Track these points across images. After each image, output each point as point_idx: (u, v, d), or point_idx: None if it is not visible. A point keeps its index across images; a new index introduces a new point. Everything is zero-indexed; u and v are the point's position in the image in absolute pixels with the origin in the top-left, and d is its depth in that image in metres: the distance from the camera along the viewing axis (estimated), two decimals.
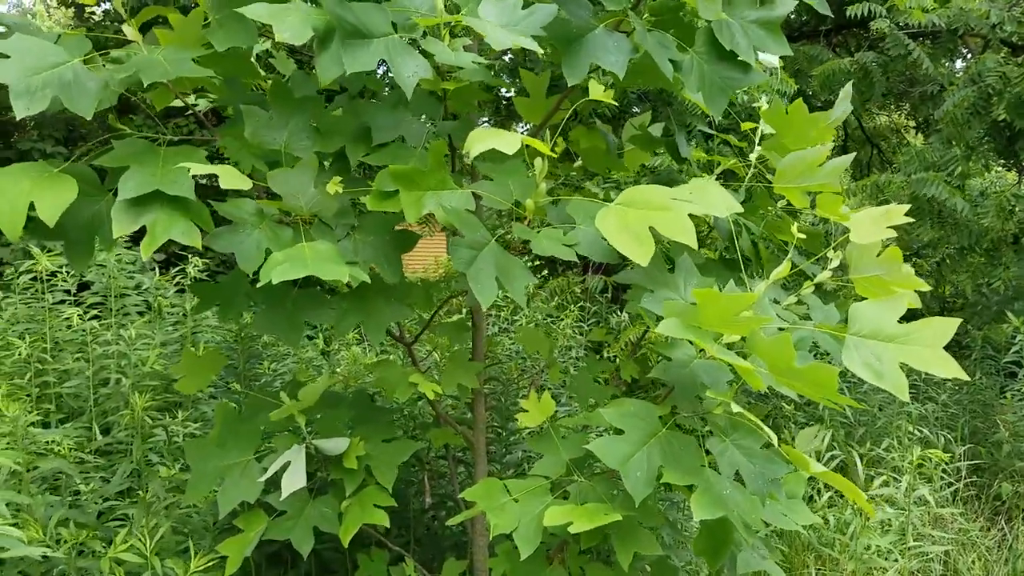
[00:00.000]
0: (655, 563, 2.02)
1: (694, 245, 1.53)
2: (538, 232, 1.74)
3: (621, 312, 5.73)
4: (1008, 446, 5.12)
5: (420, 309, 2.12)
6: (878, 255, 1.92)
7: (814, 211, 2.19)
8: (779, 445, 1.74)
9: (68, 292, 4.11)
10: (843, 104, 2.19)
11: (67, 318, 3.93)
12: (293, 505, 2.03)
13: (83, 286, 4.38)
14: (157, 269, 5.30)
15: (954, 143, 6.10)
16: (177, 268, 4.90)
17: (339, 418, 2.18)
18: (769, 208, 2.54)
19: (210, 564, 1.98)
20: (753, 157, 2.35)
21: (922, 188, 5.82)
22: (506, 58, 5.96)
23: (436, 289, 2.14)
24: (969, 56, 7.65)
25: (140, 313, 4.57)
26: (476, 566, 2.49)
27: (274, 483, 2.00)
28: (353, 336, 4.93)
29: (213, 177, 1.56)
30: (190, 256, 4.94)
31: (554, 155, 2.21)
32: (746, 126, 2.36)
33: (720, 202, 1.71)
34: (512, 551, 2.05)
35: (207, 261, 5.01)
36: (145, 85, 1.55)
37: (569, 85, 1.74)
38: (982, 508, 4.72)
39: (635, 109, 6.69)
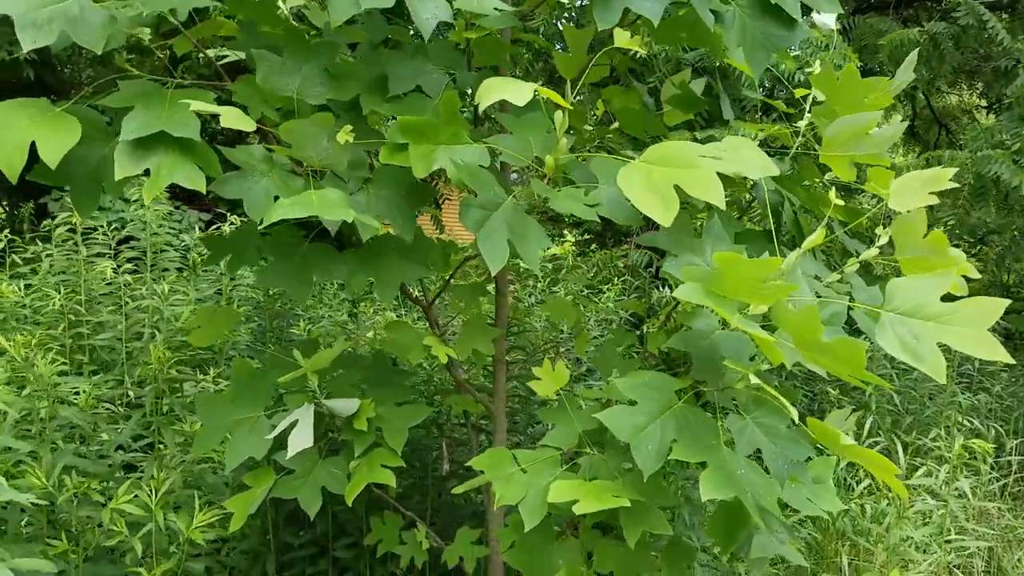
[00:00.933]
0: (670, 543, 1.93)
1: (721, 204, 1.42)
2: (558, 191, 1.65)
3: (664, 287, 5.60)
4: None
5: (437, 270, 2.05)
6: (924, 236, 1.79)
7: (864, 186, 2.06)
8: (806, 424, 1.64)
9: (108, 246, 4.14)
10: (906, 71, 2.04)
11: (103, 271, 3.97)
12: (302, 464, 1.99)
13: (123, 241, 4.42)
14: (199, 227, 5.35)
15: None
16: (216, 226, 4.92)
17: (352, 379, 2.14)
18: (816, 180, 2.40)
19: (215, 520, 1.96)
20: (802, 124, 2.20)
21: (986, 166, 5.52)
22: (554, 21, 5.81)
23: (454, 249, 2.06)
24: None
25: (179, 270, 4.60)
26: (490, 536, 2.44)
27: (285, 442, 1.97)
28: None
29: (227, 128, 1.50)
30: (230, 215, 4.96)
31: (581, 112, 2.11)
32: (799, 92, 2.22)
33: (754, 162, 1.60)
34: (521, 523, 1.99)
35: (245, 220, 5.00)
36: (152, 17, 1.49)
37: (599, 29, 1.63)
38: None
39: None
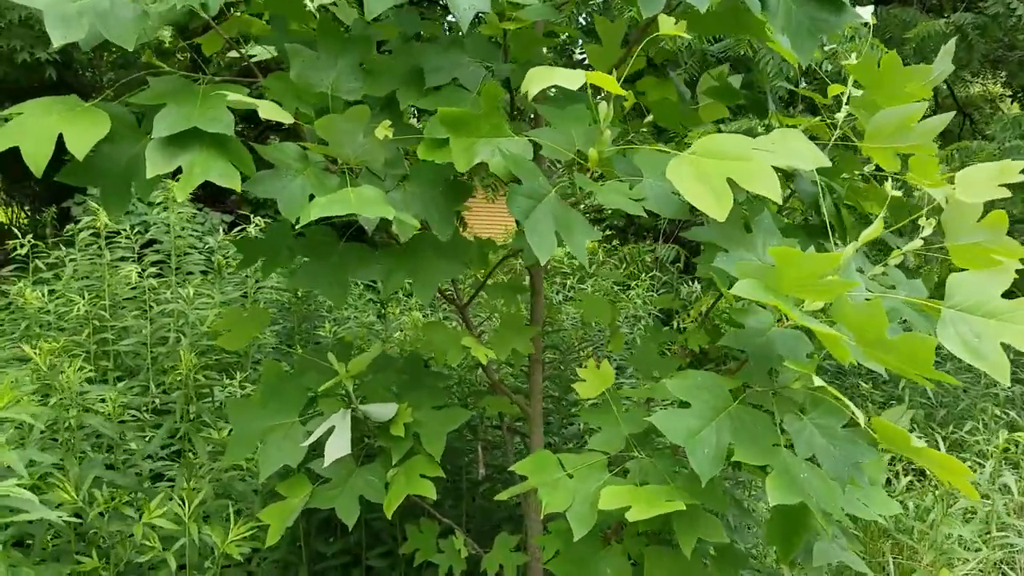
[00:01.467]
0: (720, 549, 1.87)
1: (777, 198, 1.36)
2: (602, 185, 1.59)
3: (693, 283, 5.51)
4: None
5: (474, 268, 1.99)
6: (979, 220, 1.72)
7: (903, 177, 1.98)
8: (868, 424, 1.57)
9: (132, 250, 4.11)
10: (944, 61, 1.97)
11: (127, 275, 3.94)
12: (338, 472, 1.94)
13: (147, 244, 4.40)
14: (223, 230, 5.32)
15: None
16: (239, 228, 4.89)
17: (387, 382, 2.08)
18: (856, 172, 2.32)
19: (250, 533, 1.91)
20: (840, 116, 2.13)
21: (1014, 157, 5.39)
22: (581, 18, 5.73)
23: (492, 247, 2.00)
24: None
25: (203, 272, 4.57)
26: (529, 542, 2.38)
27: (319, 449, 1.92)
28: (415, 301, 4.85)
29: (258, 125, 1.46)
30: (254, 217, 4.92)
31: (623, 103, 2.04)
32: (834, 89, 2.14)
33: (806, 153, 1.53)
34: (565, 531, 1.93)
35: (269, 220, 4.99)
36: (179, 14, 1.44)
37: (644, 18, 1.57)
38: None
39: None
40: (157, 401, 3.47)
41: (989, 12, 5.97)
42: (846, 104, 2.10)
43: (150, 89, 1.51)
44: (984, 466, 3.52)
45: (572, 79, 1.27)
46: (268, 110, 1.39)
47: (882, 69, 1.93)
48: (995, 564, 3.28)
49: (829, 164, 1.55)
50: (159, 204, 4.38)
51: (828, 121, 2.18)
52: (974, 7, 6.33)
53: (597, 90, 1.53)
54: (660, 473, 1.69)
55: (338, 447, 1.79)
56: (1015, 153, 5.47)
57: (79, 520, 1.95)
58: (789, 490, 1.36)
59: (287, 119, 1.41)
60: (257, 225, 4.82)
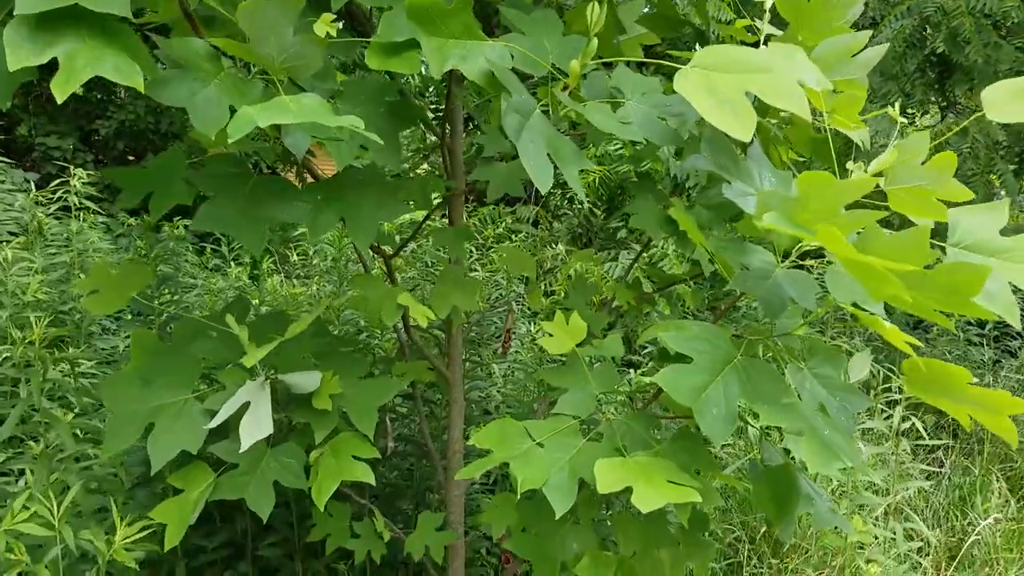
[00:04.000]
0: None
1: (806, 115, 1.19)
2: (584, 104, 1.36)
3: (556, 245, 5.40)
4: None
5: (417, 206, 1.70)
6: (923, 163, 1.64)
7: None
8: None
9: None
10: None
11: None
12: (247, 456, 1.61)
13: None
14: (33, 186, 4.58)
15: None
16: (59, 181, 4.21)
17: (302, 350, 1.76)
18: (780, 113, 2.23)
19: (140, 534, 1.54)
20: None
21: None
22: None
23: (436, 185, 1.71)
24: None
25: (13, 234, 3.90)
26: (451, 519, 2.14)
27: (219, 431, 1.58)
28: (268, 264, 4.41)
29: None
30: (74, 169, 4.25)
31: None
32: (740, 24, 2.02)
33: (811, 73, 1.37)
34: (523, 504, 1.71)
35: (91, 174, 4.32)
36: None
37: None
38: None
39: None
40: None
41: None
42: (764, 42, 1.98)
43: None
44: None
45: None
46: None
47: (812, 2, 1.81)
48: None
49: (831, 86, 1.40)
50: None
51: None
52: None
53: None
54: (641, 436, 1.50)
55: (257, 426, 1.47)
56: None
57: None
58: (825, 455, 1.21)
59: None
60: (81, 179, 4.18)
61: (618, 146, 5.05)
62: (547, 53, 1.37)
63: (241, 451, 1.46)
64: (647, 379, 2.97)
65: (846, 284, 1.32)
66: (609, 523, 2.27)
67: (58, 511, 1.48)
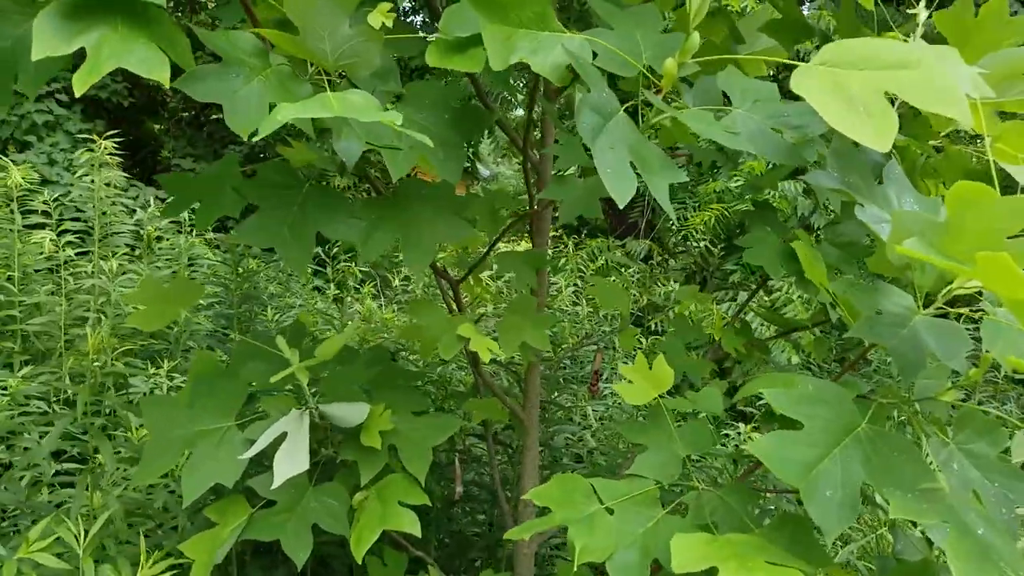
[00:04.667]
0: None
1: (966, 120, 0.93)
2: (682, 111, 1.14)
3: (668, 282, 5.12)
4: None
5: (482, 227, 1.52)
6: None
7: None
8: None
9: (46, 215, 3.52)
10: None
11: (40, 243, 3.35)
12: (286, 493, 1.46)
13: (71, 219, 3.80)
14: (153, 200, 4.73)
15: None
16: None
17: (353, 377, 1.60)
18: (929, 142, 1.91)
19: (169, 571, 1.41)
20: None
21: None
22: None
23: (505, 201, 1.53)
24: None
25: (130, 248, 4.00)
26: None
27: (262, 461, 1.43)
28: (368, 289, 4.35)
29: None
30: None
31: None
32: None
33: (965, 74, 1.10)
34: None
35: None
36: None
37: None
38: None
39: None
40: (70, 391, 2.90)
41: None
42: None
43: None
44: None
45: None
46: None
47: (980, 19, 1.51)
48: None
49: (992, 94, 1.13)
50: (80, 170, 3.77)
51: None
52: None
53: None
54: (735, 513, 1.24)
55: (293, 461, 1.31)
56: None
57: None
58: (978, 561, 0.92)
59: None
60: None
61: (739, 181, 4.75)
62: (640, 51, 1.16)
63: (273, 487, 1.30)
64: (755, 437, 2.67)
65: (1011, 336, 1.03)
66: None
67: (84, 540, 1.37)
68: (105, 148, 3.44)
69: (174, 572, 1.44)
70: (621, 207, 0.95)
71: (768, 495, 1.96)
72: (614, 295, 1.99)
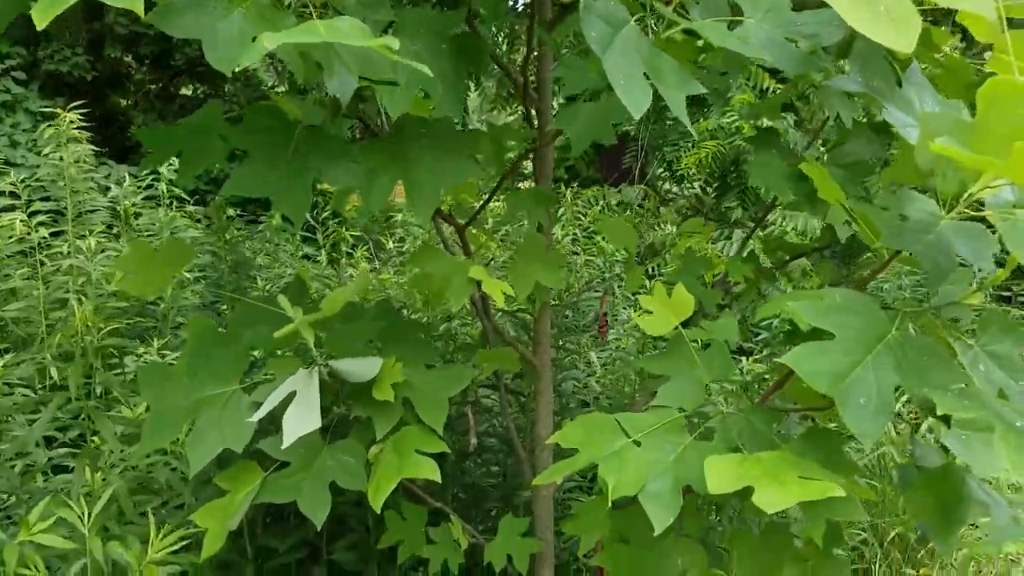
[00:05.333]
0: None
1: (991, 14, 0.89)
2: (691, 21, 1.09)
3: (664, 226, 5.10)
4: None
5: (488, 164, 1.47)
6: None
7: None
8: None
9: (14, 196, 3.40)
10: None
11: (10, 226, 3.25)
12: (299, 453, 1.42)
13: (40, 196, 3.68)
14: (128, 177, 4.60)
15: None
16: (149, 172, 4.20)
17: (361, 333, 1.56)
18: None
19: (180, 542, 1.37)
20: None
21: None
22: None
23: (510, 135, 1.47)
24: None
25: (107, 225, 3.89)
26: (539, 524, 1.91)
27: (272, 427, 1.39)
28: (362, 252, 4.28)
29: None
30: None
31: None
32: None
33: None
34: (616, 514, 1.46)
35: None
36: None
37: None
38: None
39: None
40: (56, 376, 2.84)
41: None
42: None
43: None
44: None
45: None
46: None
47: None
48: None
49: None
50: (47, 147, 3.64)
51: None
52: None
53: None
54: (761, 434, 1.22)
55: (303, 419, 1.27)
56: None
57: None
58: None
59: None
60: (174, 167, 4.14)
61: (733, 118, 4.69)
62: None
63: (283, 447, 1.26)
64: (763, 366, 2.66)
65: None
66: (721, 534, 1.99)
67: (89, 519, 1.32)
68: (71, 123, 3.31)
69: (186, 544, 1.40)
70: (637, 118, 0.91)
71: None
72: (622, 232, 1.95)
